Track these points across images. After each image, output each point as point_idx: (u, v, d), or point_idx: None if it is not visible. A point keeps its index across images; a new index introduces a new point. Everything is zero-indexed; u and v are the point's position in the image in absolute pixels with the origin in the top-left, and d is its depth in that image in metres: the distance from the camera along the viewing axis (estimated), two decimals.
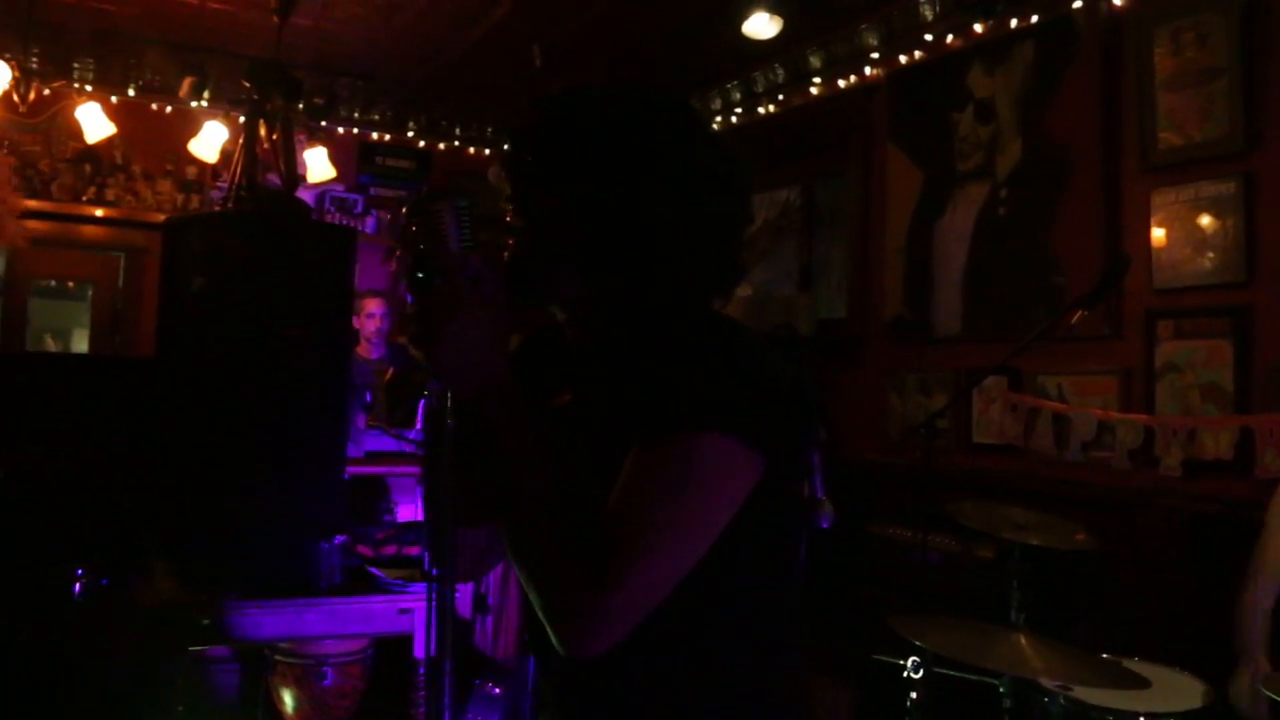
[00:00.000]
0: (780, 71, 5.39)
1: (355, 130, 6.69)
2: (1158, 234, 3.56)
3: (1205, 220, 3.43)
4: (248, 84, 3.27)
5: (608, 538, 1.10)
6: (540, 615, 1.13)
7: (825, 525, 3.19)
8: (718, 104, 5.77)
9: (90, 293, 6.52)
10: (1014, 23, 4.17)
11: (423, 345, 1.15)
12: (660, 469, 1.11)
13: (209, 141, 5.45)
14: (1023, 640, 2.51)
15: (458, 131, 6.95)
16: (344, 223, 6.39)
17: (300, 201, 3.36)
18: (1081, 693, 2.60)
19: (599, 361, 1.31)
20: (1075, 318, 2.92)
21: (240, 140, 3.31)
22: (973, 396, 4.11)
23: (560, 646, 1.11)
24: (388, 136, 6.81)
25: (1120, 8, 3.76)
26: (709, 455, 1.11)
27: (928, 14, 4.52)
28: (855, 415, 4.74)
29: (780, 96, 5.47)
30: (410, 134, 6.86)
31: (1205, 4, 3.46)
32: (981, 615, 2.97)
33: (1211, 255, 3.40)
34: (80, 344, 6.68)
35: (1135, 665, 2.79)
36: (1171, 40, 3.55)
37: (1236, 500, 3.20)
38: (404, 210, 1.22)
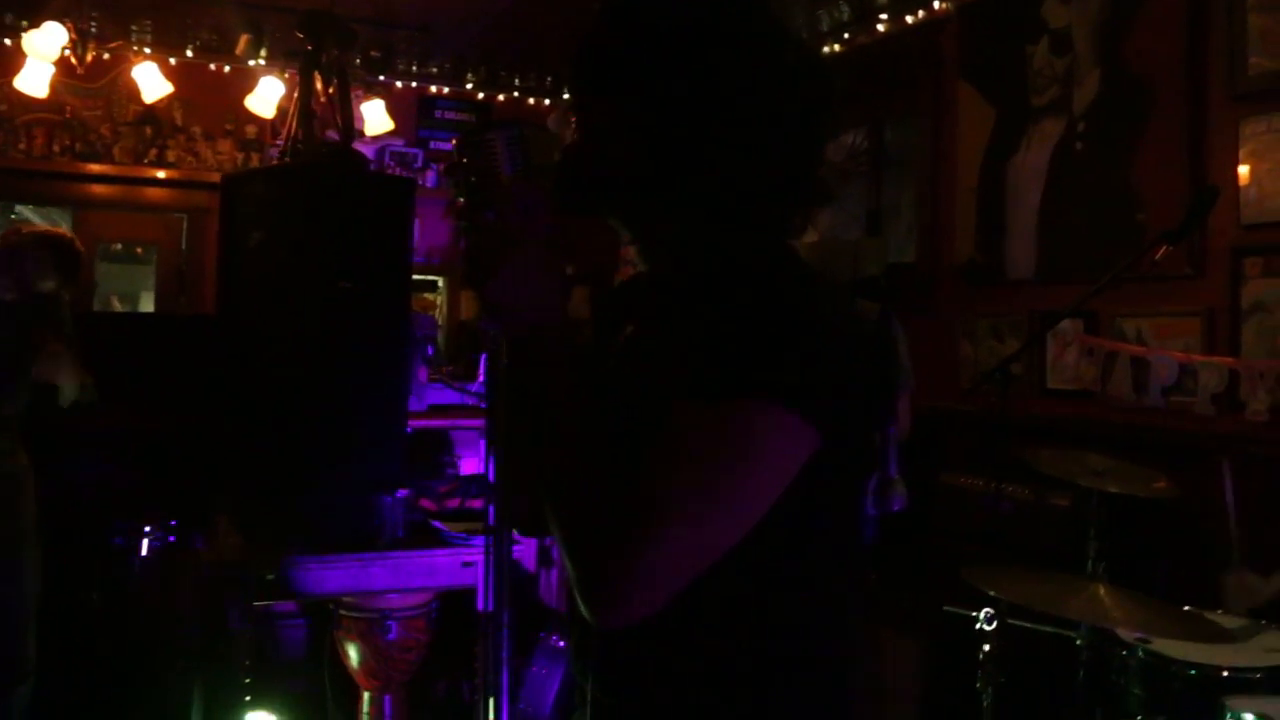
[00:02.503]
0: (845, 8, 5.31)
1: (413, 84, 6.69)
2: (1246, 167, 3.44)
3: None
4: (301, 35, 3.29)
5: (635, 500, 1.05)
6: (571, 579, 1.09)
7: (898, 508, 3.17)
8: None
9: (155, 255, 6.65)
10: None
11: (476, 284, 1.13)
12: (694, 433, 1.05)
13: (266, 98, 5.51)
14: (1101, 591, 2.47)
15: (517, 82, 6.93)
16: (403, 175, 6.41)
17: (358, 154, 3.39)
18: (1161, 645, 2.55)
19: (663, 291, 1.27)
20: (1160, 253, 2.83)
21: (296, 94, 3.35)
22: (1047, 341, 4.03)
23: (587, 612, 1.07)
24: (446, 89, 6.81)
25: None
26: (749, 424, 1.05)
27: None
28: (926, 362, 4.66)
29: (846, 35, 5.36)
30: (469, 85, 6.85)
31: None
32: (1057, 565, 2.94)
33: None
34: (146, 306, 6.82)
35: (1218, 618, 2.74)
36: None
37: None
38: (455, 142, 1.20)
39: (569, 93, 1.23)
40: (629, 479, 1.06)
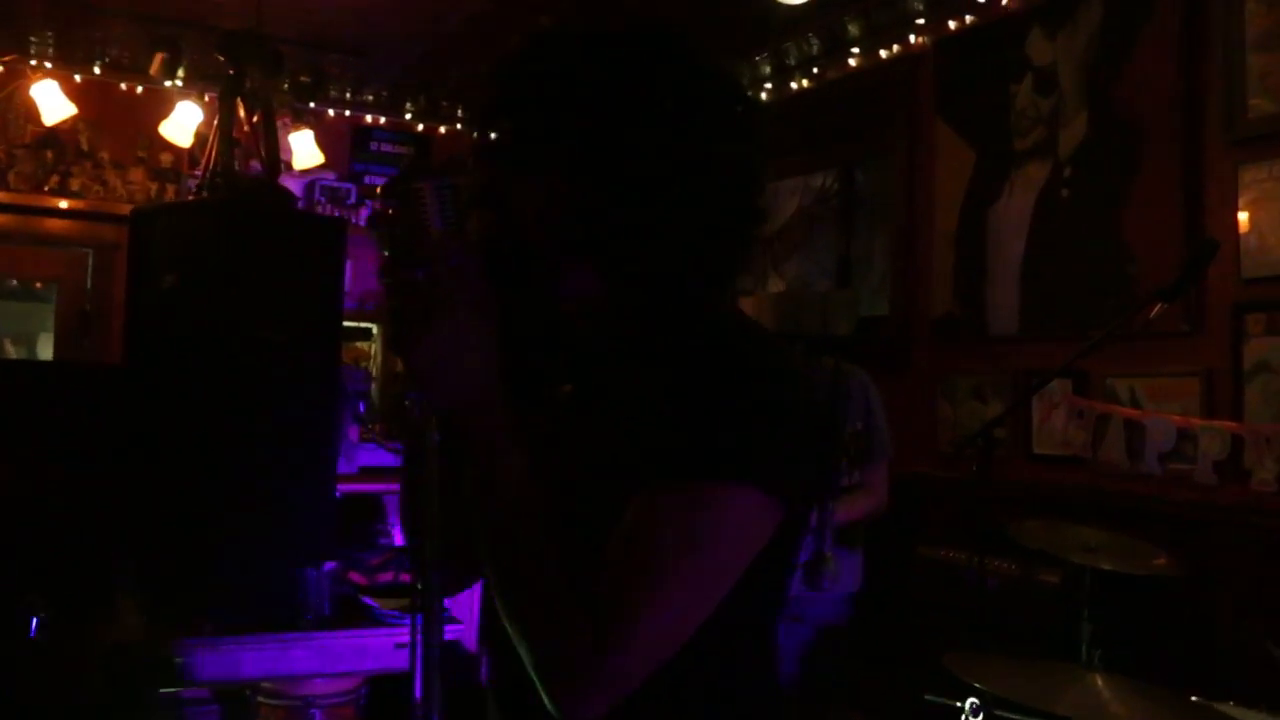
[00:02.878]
0: (815, 42, 5.32)
1: (347, 112, 6.64)
2: (1245, 216, 3.45)
3: None
4: (222, 57, 3.25)
5: (611, 594, 1.07)
6: (530, 670, 1.10)
7: (826, 586, 3.16)
8: (745, 79, 5.70)
9: (55, 293, 6.48)
10: None
11: (401, 350, 1.11)
12: (674, 521, 1.08)
13: (183, 124, 5.41)
14: (1097, 681, 2.41)
15: (460, 113, 6.90)
16: (335, 213, 6.34)
17: (283, 190, 3.36)
18: None
19: (609, 356, 1.27)
20: (1154, 311, 2.84)
21: (216, 121, 3.29)
22: (1033, 402, 4.01)
23: (552, 707, 1.08)
24: (383, 120, 6.76)
25: None
26: (730, 509, 1.09)
27: None
28: (901, 424, 4.63)
29: (815, 70, 5.40)
30: (408, 116, 6.81)
31: None
32: (1048, 651, 2.90)
33: None
34: (45, 350, 6.64)
35: (1231, 710, 2.69)
36: None
37: None
38: (380, 190, 1.16)
39: (476, 154, 1.21)
40: (594, 572, 1.07)
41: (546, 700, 1.08)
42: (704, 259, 1.20)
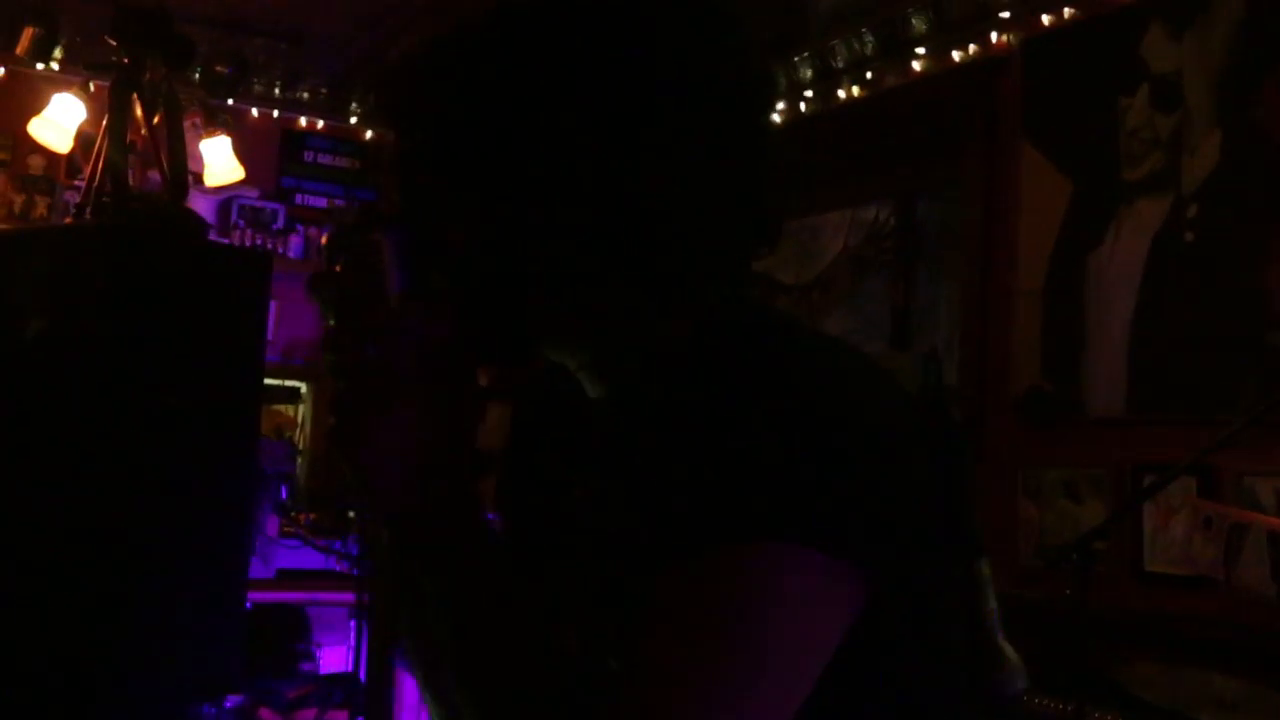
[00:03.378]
0: (869, 40, 5.34)
1: (275, 112, 6.68)
2: None
3: None
4: (114, 41, 3.22)
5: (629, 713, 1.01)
6: None
7: (1014, 693, 3.01)
8: (780, 84, 5.68)
9: None
10: None
11: (345, 446, 1.10)
12: (702, 603, 1.01)
13: (59, 122, 5.37)
14: None
15: None
16: (258, 241, 6.36)
17: (190, 214, 3.35)
18: None
19: (621, 419, 1.23)
20: None
21: (105, 122, 3.28)
22: (1144, 505, 3.95)
23: None
24: (320, 123, 6.81)
25: None
26: (775, 577, 1.00)
27: None
28: None
29: (869, 75, 5.41)
30: (352, 119, 6.85)
31: None
32: None
33: None
34: None
35: None
36: None
37: None
38: (324, 241, 1.09)
39: (398, 195, 1.19)
40: (607, 695, 1.02)
41: None
42: (712, 242, 1.16)
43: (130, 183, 3.31)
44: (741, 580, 1.01)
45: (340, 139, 6.85)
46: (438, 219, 1.19)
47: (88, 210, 3.29)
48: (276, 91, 6.59)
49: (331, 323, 1.12)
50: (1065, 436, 4.40)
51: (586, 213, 1.13)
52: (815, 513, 1.01)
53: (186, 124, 4.02)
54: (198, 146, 5.57)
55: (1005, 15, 4.75)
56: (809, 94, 5.65)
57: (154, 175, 3.52)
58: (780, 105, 5.72)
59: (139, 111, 3.35)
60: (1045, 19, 4.63)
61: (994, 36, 4.83)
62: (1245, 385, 3.74)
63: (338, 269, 1.12)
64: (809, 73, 5.64)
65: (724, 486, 1.02)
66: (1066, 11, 4.54)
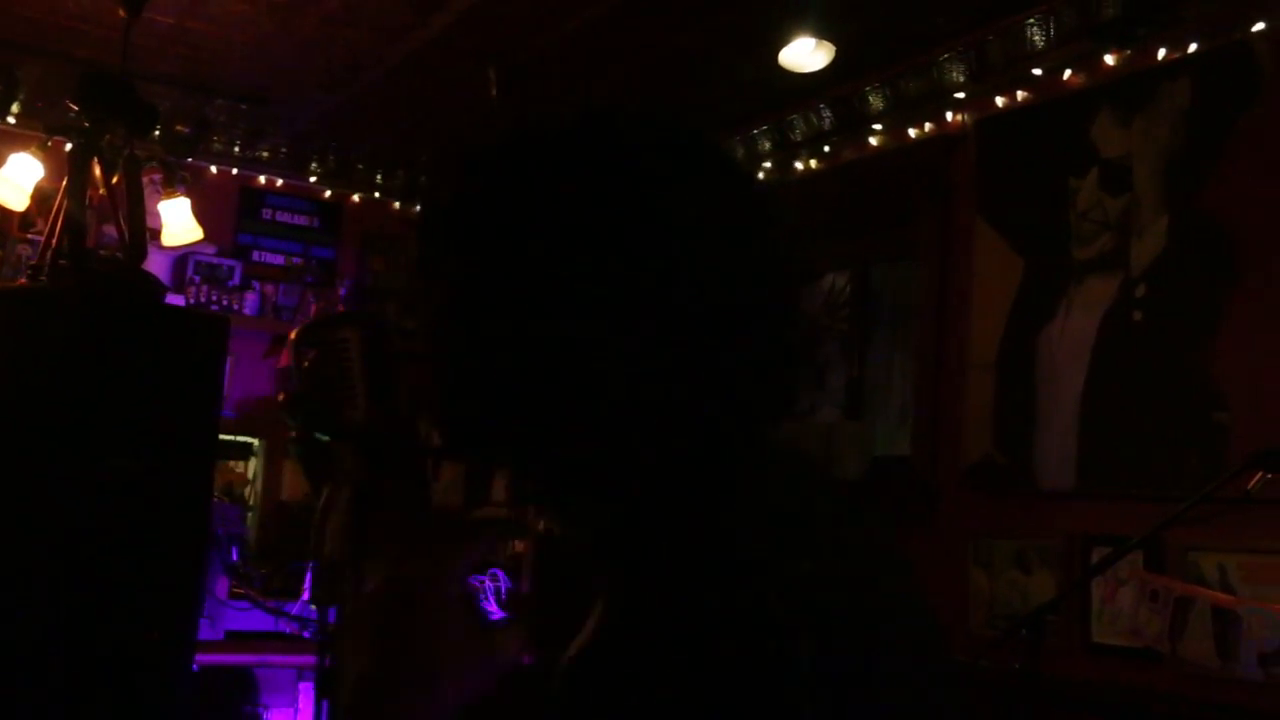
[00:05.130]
0: (828, 114, 5.36)
1: (234, 170, 6.61)
2: None
3: None
4: (76, 107, 3.24)
5: None
6: None
7: None
8: (740, 156, 5.70)
9: None
10: (1161, 53, 4.10)
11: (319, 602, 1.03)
12: None
13: (15, 181, 5.27)
14: None
15: (379, 179, 6.88)
16: (213, 298, 6.29)
17: (148, 276, 3.35)
18: None
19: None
20: (1254, 482, 2.81)
21: (64, 183, 3.28)
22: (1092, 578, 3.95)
23: None
24: (280, 181, 6.73)
25: None
26: None
27: (1037, 39, 4.46)
28: None
29: (826, 148, 5.44)
30: (313, 179, 6.79)
31: None
32: None
33: None
34: None
35: None
36: None
37: None
38: (294, 336, 1.08)
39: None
40: None
41: None
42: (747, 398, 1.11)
43: (87, 244, 3.30)
44: None
45: (299, 197, 6.75)
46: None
47: (44, 272, 3.27)
48: (236, 149, 6.51)
49: (299, 426, 1.08)
50: (1016, 507, 4.40)
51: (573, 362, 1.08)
52: None
53: (145, 180, 3.97)
54: (156, 206, 5.53)
55: (960, 95, 4.80)
56: (769, 164, 5.67)
57: (110, 230, 3.49)
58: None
59: (98, 172, 3.33)
60: (999, 100, 4.67)
61: (949, 115, 4.87)
62: (1190, 462, 3.76)
63: (305, 364, 1.11)
64: (767, 144, 5.66)
65: None
66: (1020, 94, 4.59)
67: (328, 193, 6.84)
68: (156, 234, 5.42)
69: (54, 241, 3.27)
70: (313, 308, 6.40)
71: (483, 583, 4.49)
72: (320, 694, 2.53)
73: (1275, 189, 3.71)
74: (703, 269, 1.08)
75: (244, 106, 6.14)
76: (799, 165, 5.56)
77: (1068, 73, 4.43)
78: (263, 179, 6.69)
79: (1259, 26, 3.82)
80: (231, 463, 6.20)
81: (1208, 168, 3.92)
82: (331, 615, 2.50)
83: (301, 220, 6.82)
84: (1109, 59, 4.26)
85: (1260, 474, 2.83)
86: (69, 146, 3.38)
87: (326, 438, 0.97)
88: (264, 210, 6.75)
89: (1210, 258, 3.86)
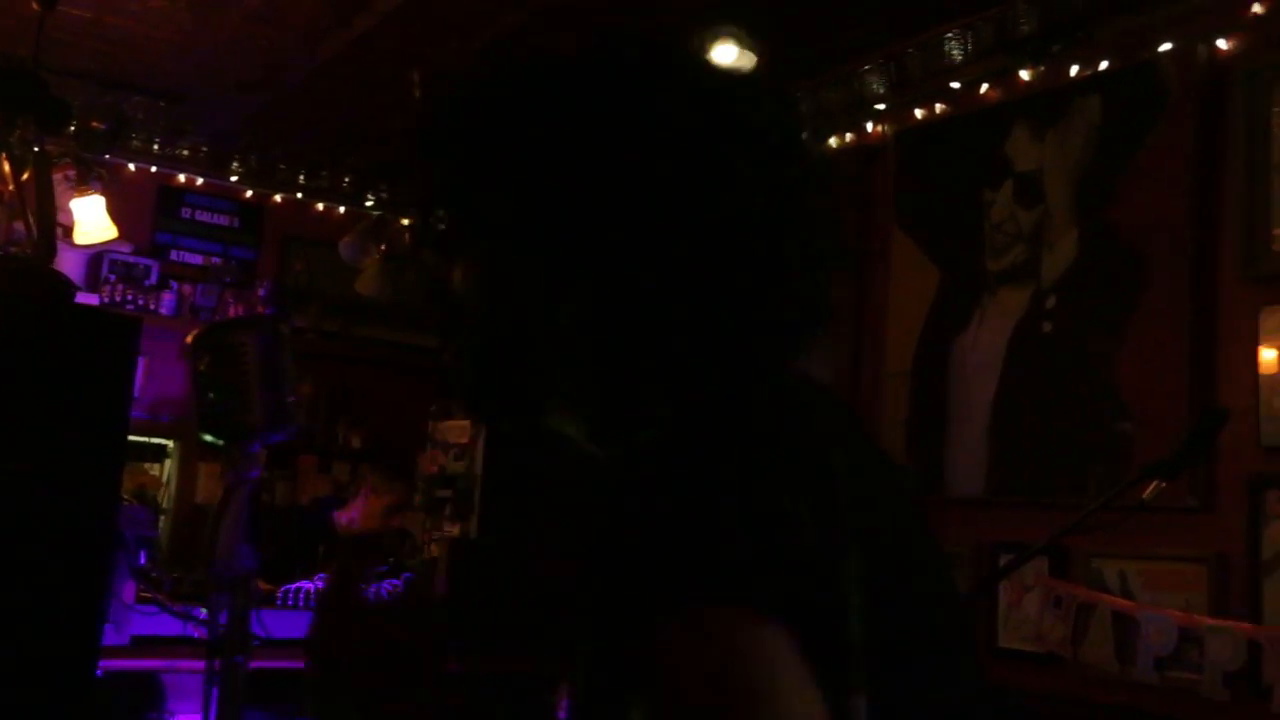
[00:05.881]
0: None
1: (153, 168, 6.52)
2: (1269, 366, 3.48)
3: None
4: None
5: None
6: None
7: None
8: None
9: None
10: (1074, 70, 4.16)
11: None
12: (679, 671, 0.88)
13: None
14: None
15: (301, 179, 6.82)
16: (129, 297, 6.20)
17: (57, 275, 3.27)
18: None
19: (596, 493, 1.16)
20: (1149, 491, 2.84)
21: None
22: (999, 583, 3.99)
23: None
24: (200, 180, 6.65)
25: (1227, 53, 3.75)
26: (702, 650, 0.88)
27: (955, 53, 4.50)
28: None
29: None
30: (234, 178, 6.72)
31: None
32: None
33: None
34: None
35: None
36: None
37: None
38: (190, 340, 1.08)
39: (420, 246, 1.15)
40: None
41: None
42: (727, 329, 1.11)
43: None
44: (662, 667, 0.89)
45: (220, 196, 6.67)
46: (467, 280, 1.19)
47: None
48: (155, 147, 6.41)
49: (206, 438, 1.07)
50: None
51: (601, 284, 1.11)
52: (735, 565, 0.90)
53: (58, 176, 3.92)
54: (69, 204, 5.44)
55: (880, 107, 4.82)
56: None
57: (19, 227, 3.39)
58: None
59: (7, 168, 3.27)
60: (918, 112, 4.71)
61: (869, 126, 4.90)
62: (1095, 470, 3.80)
63: (202, 368, 1.10)
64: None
65: (624, 565, 0.95)
66: (939, 106, 4.63)
67: (249, 193, 6.78)
68: (68, 230, 5.36)
69: None
70: (231, 309, 6.32)
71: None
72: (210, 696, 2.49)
73: (1179, 204, 3.76)
74: (751, 181, 1.10)
75: (163, 104, 6.07)
76: None
77: (984, 87, 4.47)
78: (182, 178, 6.61)
79: (1165, 46, 3.88)
80: (145, 465, 6.12)
81: (1117, 182, 3.97)
82: (223, 617, 2.47)
83: (222, 220, 6.75)
84: (1024, 74, 4.31)
85: (1155, 482, 2.85)
86: None
87: (220, 441, 0.96)
88: (183, 209, 6.67)
89: (1117, 271, 3.91)
